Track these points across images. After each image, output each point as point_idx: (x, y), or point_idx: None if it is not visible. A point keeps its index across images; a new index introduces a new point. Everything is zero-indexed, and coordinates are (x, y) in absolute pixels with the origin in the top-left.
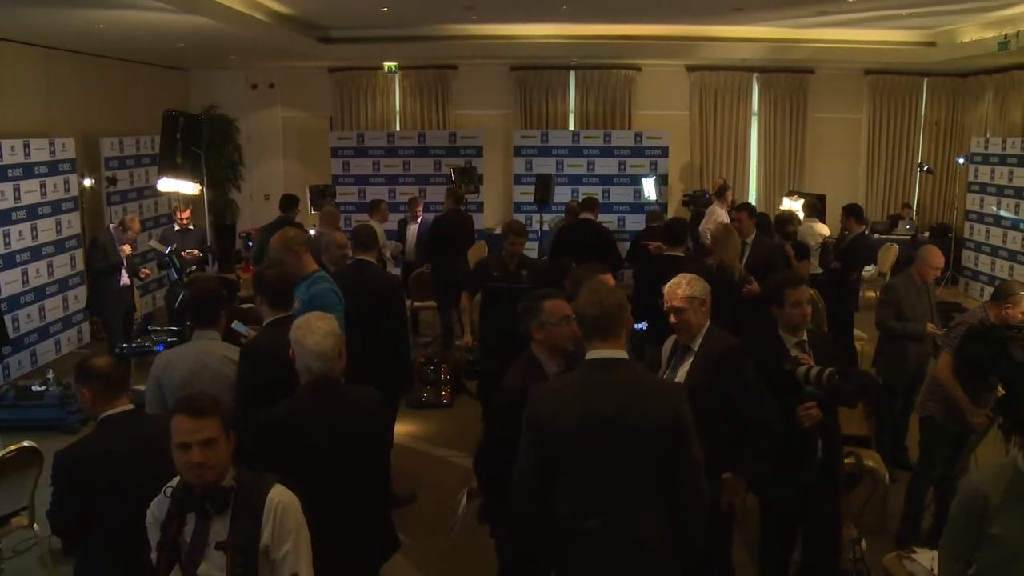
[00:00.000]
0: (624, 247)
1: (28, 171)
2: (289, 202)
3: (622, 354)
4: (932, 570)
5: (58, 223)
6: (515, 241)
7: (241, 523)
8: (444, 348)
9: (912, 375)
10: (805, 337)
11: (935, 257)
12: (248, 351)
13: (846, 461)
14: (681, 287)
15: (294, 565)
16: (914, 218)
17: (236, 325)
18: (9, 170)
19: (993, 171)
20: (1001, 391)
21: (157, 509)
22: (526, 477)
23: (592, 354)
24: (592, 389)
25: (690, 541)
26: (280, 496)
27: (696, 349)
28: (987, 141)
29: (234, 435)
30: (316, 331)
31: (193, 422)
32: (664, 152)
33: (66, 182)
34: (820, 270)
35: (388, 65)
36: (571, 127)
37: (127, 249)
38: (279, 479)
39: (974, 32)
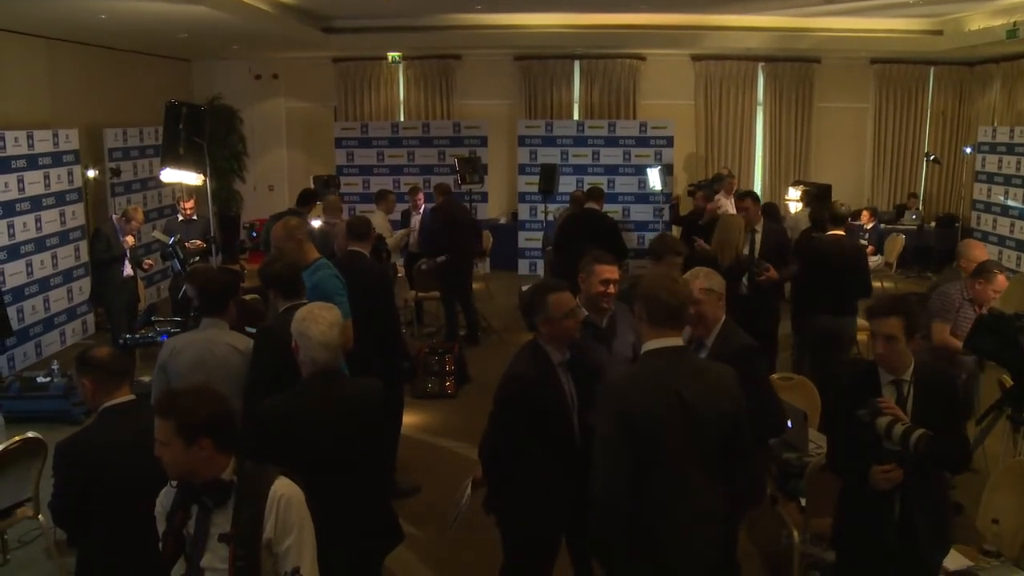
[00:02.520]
0: (629, 237)
1: (32, 162)
2: (305, 198)
3: (681, 342)
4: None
5: (62, 214)
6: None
7: (243, 516)
8: (448, 338)
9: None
10: (908, 377)
11: (977, 250)
12: (264, 331)
13: None
14: (699, 279)
15: (296, 559)
16: (920, 208)
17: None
18: (13, 161)
19: (1000, 160)
20: (1010, 382)
21: (165, 499)
22: (615, 482)
23: (661, 342)
24: (678, 375)
25: (739, 515)
26: (284, 489)
27: (710, 345)
28: (994, 130)
29: (209, 441)
30: (321, 321)
31: (156, 419)
32: (669, 142)
33: (70, 173)
34: None
35: (392, 55)
36: (576, 117)
37: (130, 240)
38: (283, 471)
39: (982, 20)
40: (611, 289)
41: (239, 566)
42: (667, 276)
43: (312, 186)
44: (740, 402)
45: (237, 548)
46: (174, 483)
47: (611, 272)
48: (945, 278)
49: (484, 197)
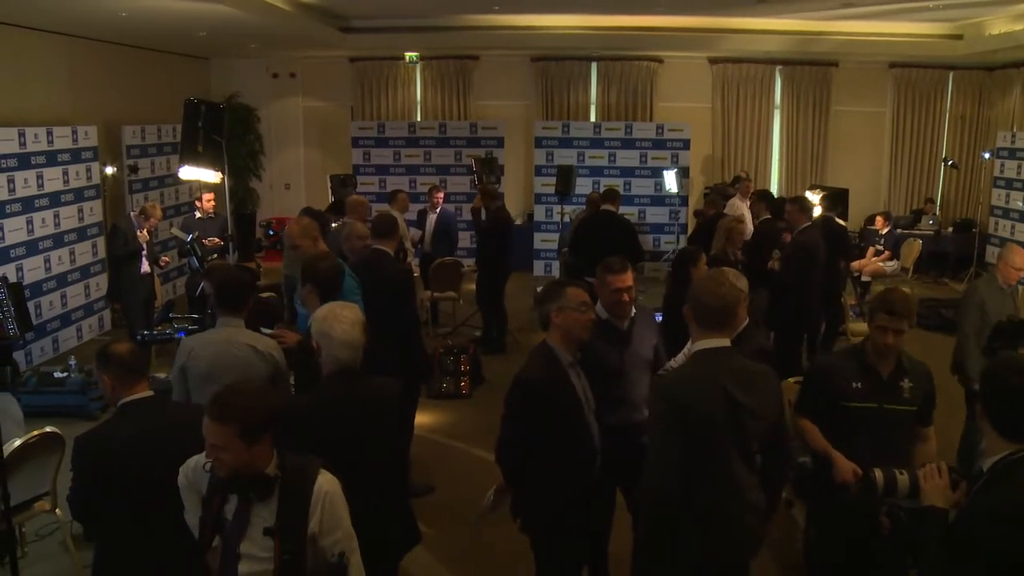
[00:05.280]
0: (645, 239)
1: (51, 159)
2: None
3: (729, 343)
4: None
5: (80, 211)
6: (892, 323)
7: (288, 510)
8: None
9: None
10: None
11: (1018, 256)
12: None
13: None
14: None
15: (348, 552)
16: (937, 213)
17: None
18: (32, 157)
19: (1019, 166)
20: None
21: (192, 474)
22: (668, 476)
23: (709, 343)
24: (727, 374)
25: (773, 503)
26: (327, 484)
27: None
28: (1014, 136)
29: (269, 436)
30: (343, 320)
31: (211, 424)
32: (686, 144)
33: (88, 170)
34: None
35: (409, 55)
36: (592, 119)
37: (144, 235)
38: (323, 463)
39: (1003, 24)
40: (624, 297)
41: (285, 560)
42: (713, 279)
43: (330, 187)
44: (781, 403)
45: (283, 543)
46: (207, 467)
47: (621, 281)
48: (981, 281)
49: (500, 198)
